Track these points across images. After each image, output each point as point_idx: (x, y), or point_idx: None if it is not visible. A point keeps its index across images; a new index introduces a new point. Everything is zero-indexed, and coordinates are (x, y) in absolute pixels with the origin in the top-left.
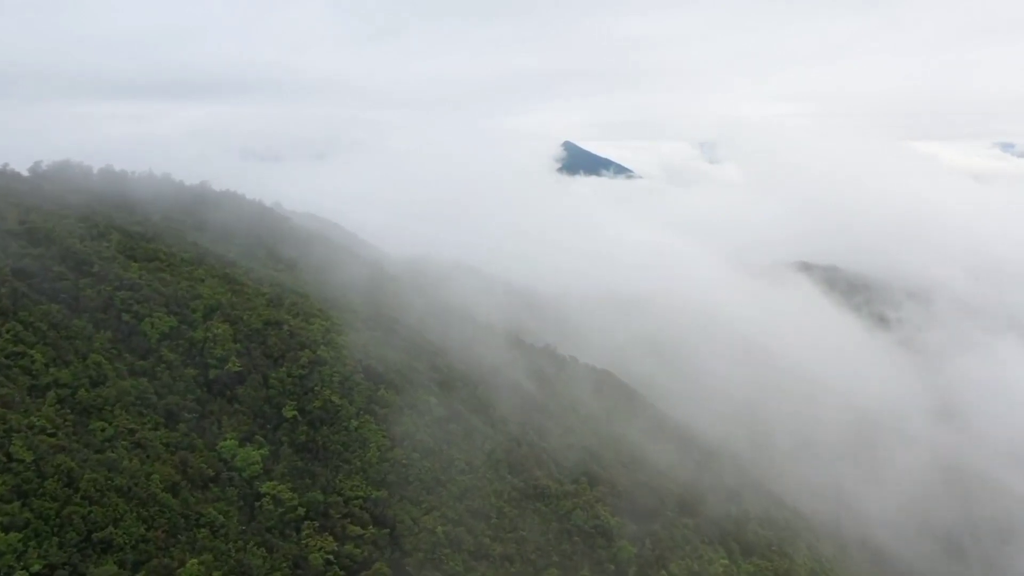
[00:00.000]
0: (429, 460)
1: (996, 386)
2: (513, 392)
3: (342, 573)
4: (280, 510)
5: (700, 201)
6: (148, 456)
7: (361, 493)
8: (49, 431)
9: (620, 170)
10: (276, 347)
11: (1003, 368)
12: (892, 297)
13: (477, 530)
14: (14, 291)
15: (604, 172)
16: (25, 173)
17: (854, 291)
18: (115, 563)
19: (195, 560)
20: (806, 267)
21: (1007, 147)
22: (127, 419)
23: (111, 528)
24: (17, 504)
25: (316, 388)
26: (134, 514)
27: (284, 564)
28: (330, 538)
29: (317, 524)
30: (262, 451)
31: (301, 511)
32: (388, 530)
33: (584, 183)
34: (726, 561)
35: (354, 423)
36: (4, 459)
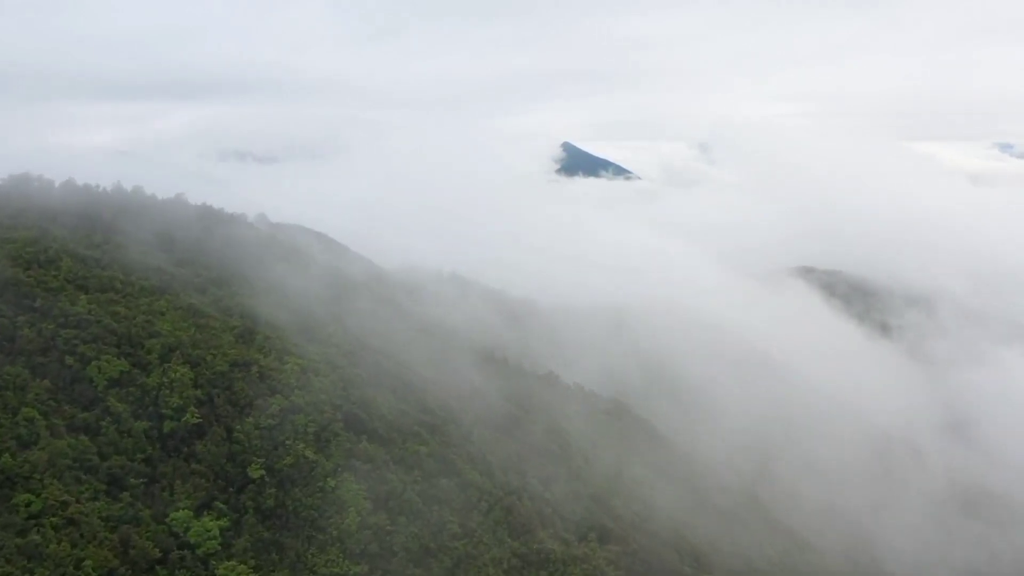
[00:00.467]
0: (417, 524)
1: (1007, 400)
2: (513, 432)
3: None
4: None
5: (699, 204)
6: (82, 536)
7: (337, 569)
8: None
9: (619, 171)
10: (243, 393)
11: (1013, 380)
12: (894, 304)
13: None
14: None
15: (603, 173)
16: None
17: (856, 297)
18: None
19: None
20: (807, 272)
21: (1006, 147)
22: (60, 489)
23: None
24: None
25: (288, 442)
26: None
27: None
28: None
29: None
30: (221, 522)
31: None
32: None
33: (583, 184)
34: None
35: (331, 482)
36: None
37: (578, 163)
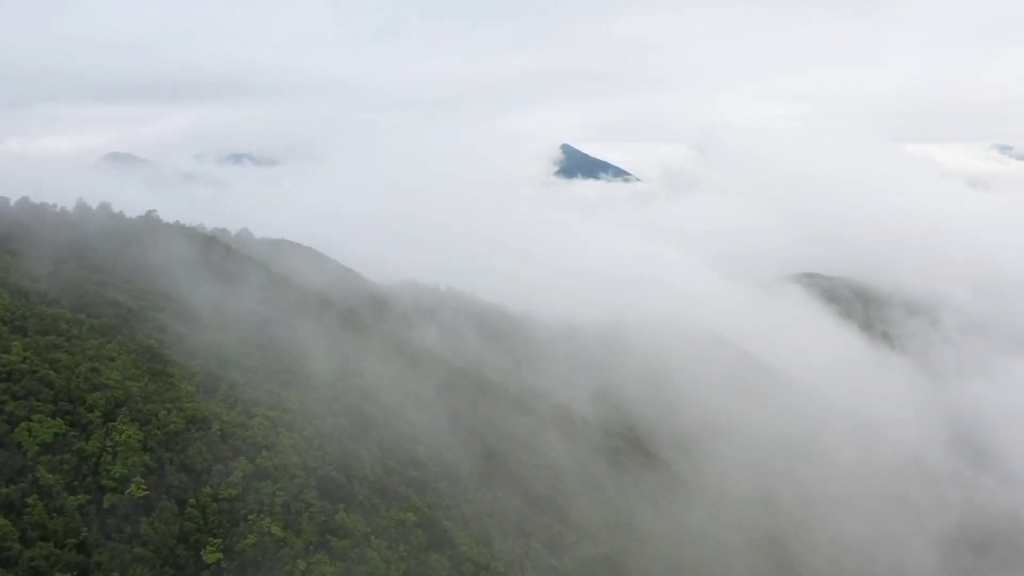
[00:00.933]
0: None
1: (1016, 413)
2: (514, 481)
3: None
4: None
5: (697, 208)
6: None
7: None
8: None
9: (618, 173)
10: (200, 457)
11: (1021, 393)
12: (897, 312)
13: None
14: None
15: (602, 175)
16: None
17: (858, 305)
18: None
19: None
20: (807, 279)
21: (1005, 149)
22: None
23: None
24: None
25: (251, 516)
26: None
27: None
28: None
29: None
30: None
31: None
32: None
33: (581, 186)
34: None
35: (301, 565)
36: None
37: (577, 165)
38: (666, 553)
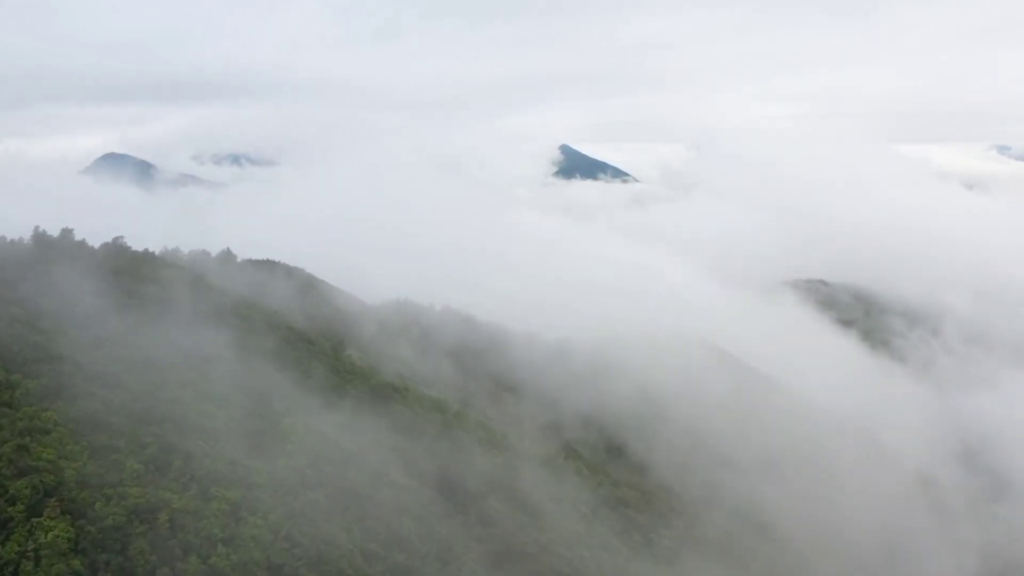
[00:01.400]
0: None
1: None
2: (514, 557)
3: None
4: None
5: (694, 211)
6: None
7: None
8: None
9: (617, 173)
10: (142, 559)
11: None
12: (897, 320)
13: None
14: None
15: (601, 176)
16: None
17: (858, 313)
18: None
19: None
20: (805, 285)
21: (1004, 149)
22: None
23: None
24: None
25: None
26: None
27: None
28: None
29: None
30: None
31: None
32: None
33: (580, 187)
34: None
35: None
36: None
37: (576, 166)
38: None
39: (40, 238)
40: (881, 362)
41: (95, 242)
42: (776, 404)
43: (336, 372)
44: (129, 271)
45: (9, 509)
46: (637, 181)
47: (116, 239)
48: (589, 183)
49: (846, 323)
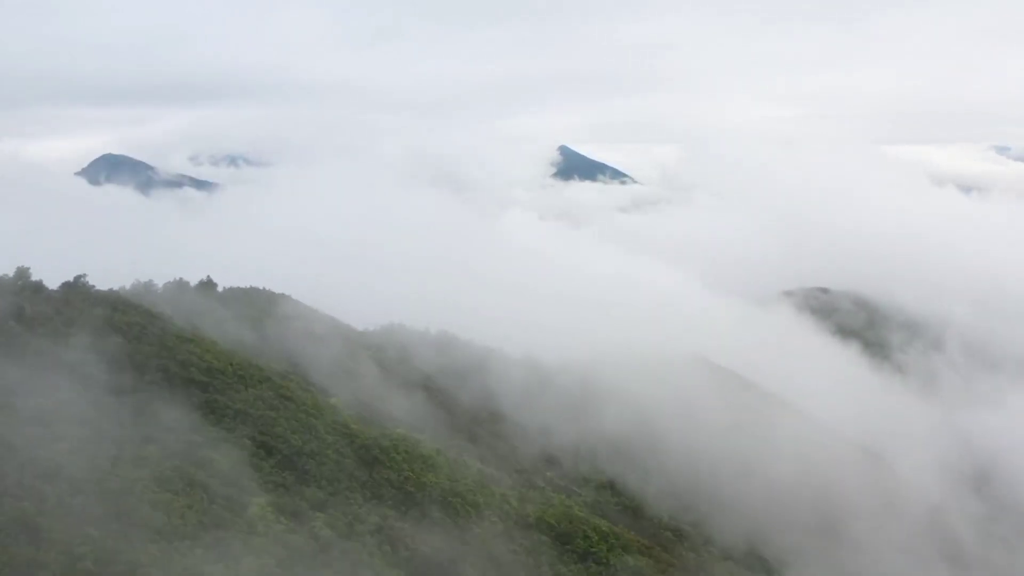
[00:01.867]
0: None
1: None
2: None
3: None
4: None
5: (689, 215)
6: None
7: None
8: None
9: (616, 174)
10: None
11: None
12: (898, 332)
13: None
14: None
15: (600, 177)
16: None
17: (860, 323)
18: None
19: None
20: (803, 293)
21: (1003, 150)
22: None
23: None
24: None
25: None
26: None
27: None
28: None
29: None
30: None
31: None
32: None
33: (578, 189)
34: None
35: None
36: None
37: (574, 167)
38: None
39: None
40: (886, 377)
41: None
42: (782, 427)
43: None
44: (81, 319)
45: None
46: (636, 182)
47: (78, 278)
48: (587, 184)
49: (848, 334)
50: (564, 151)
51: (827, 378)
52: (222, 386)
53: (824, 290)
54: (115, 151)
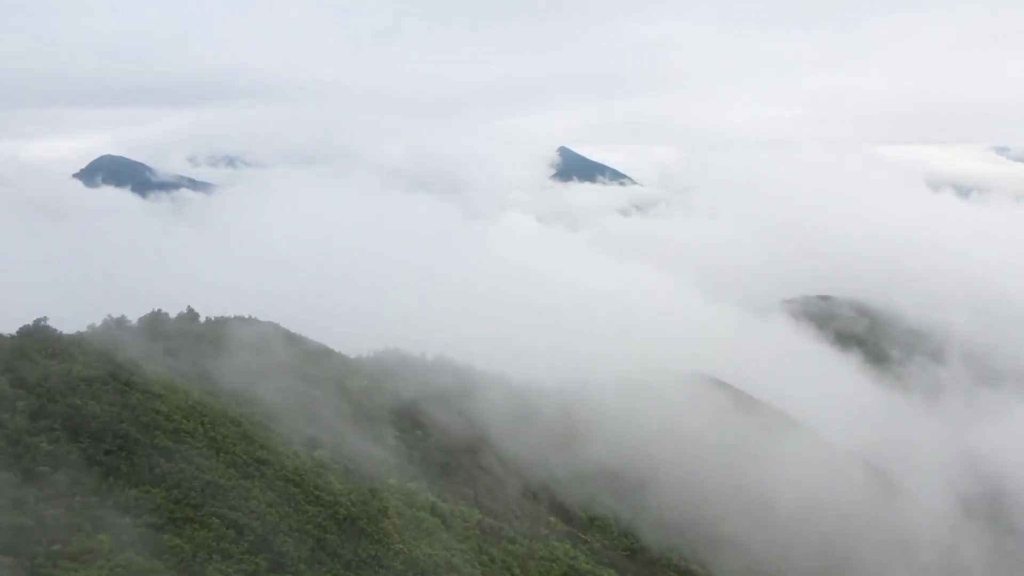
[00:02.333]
0: None
1: None
2: None
3: None
4: None
5: (689, 220)
6: None
7: None
8: None
9: (616, 175)
10: None
11: None
12: (902, 343)
13: None
14: None
15: (599, 178)
16: None
17: (862, 333)
18: None
19: None
20: (802, 303)
21: (1003, 150)
22: None
23: None
24: None
25: None
26: None
27: None
28: None
29: None
30: None
31: None
32: None
33: (577, 190)
34: None
35: None
36: None
37: (573, 168)
38: None
39: None
40: (889, 388)
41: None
42: (788, 451)
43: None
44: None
45: None
46: (635, 183)
47: (37, 321)
48: (586, 185)
49: (849, 343)
50: (563, 152)
51: (830, 392)
52: (135, 443)
53: (825, 297)
54: (113, 152)
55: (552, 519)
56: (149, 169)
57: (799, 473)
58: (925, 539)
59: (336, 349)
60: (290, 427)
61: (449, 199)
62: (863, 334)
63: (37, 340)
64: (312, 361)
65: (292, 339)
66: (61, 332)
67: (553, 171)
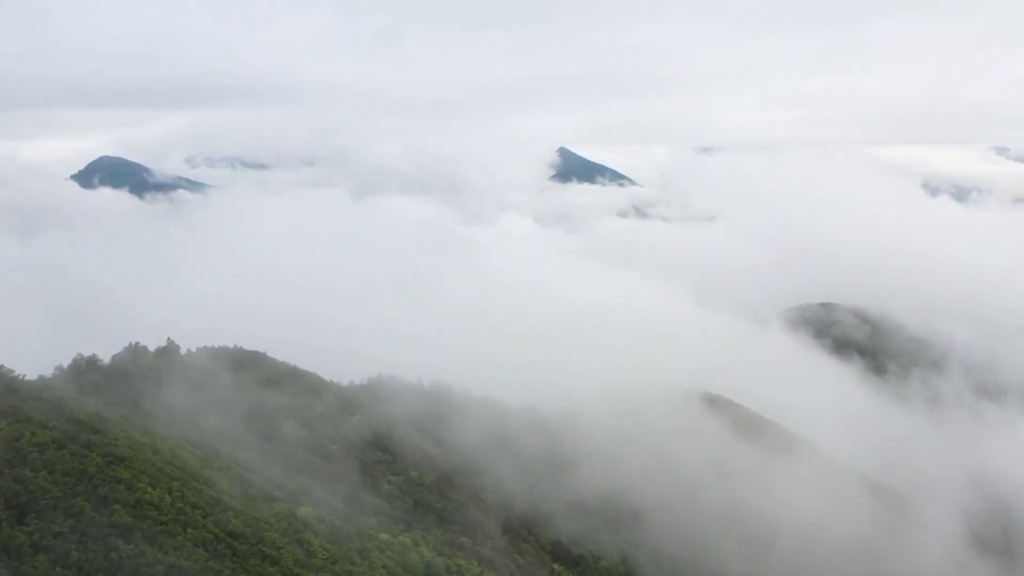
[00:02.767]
0: None
1: None
2: None
3: None
4: None
5: (691, 222)
6: None
7: None
8: None
9: (615, 176)
10: None
11: None
12: (908, 354)
13: None
14: None
15: (599, 178)
16: None
17: (870, 340)
18: None
19: None
20: (805, 313)
21: (1002, 151)
22: None
23: None
24: None
25: None
26: None
27: None
28: None
29: None
30: None
31: None
32: None
33: (576, 191)
34: None
35: None
36: None
37: (573, 169)
38: None
39: None
40: (892, 399)
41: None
42: (793, 475)
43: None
44: None
45: None
46: (635, 183)
47: None
48: (586, 186)
49: (850, 352)
50: (563, 152)
51: (831, 405)
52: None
53: (825, 305)
54: (112, 153)
55: (556, 566)
56: (147, 170)
57: (802, 500)
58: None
59: (324, 373)
60: (271, 480)
61: (448, 200)
62: (864, 342)
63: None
64: (301, 393)
65: (279, 369)
66: (23, 377)
67: (553, 172)
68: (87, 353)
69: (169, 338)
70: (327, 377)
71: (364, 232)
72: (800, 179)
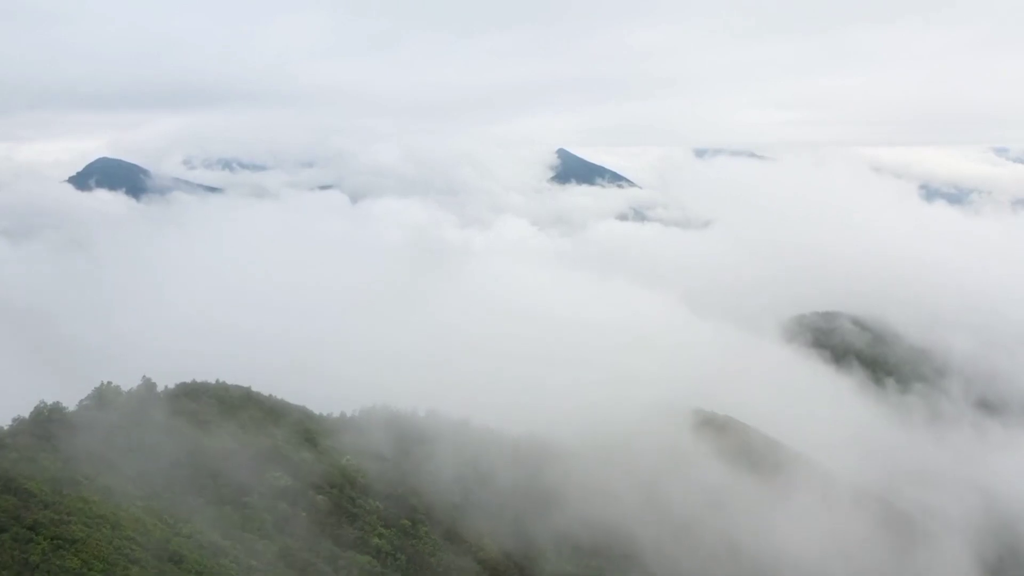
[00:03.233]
0: None
1: None
2: None
3: None
4: None
5: (688, 228)
6: None
7: None
8: None
9: (615, 178)
10: None
11: None
12: (910, 364)
13: None
14: None
15: (598, 180)
16: None
17: (870, 347)
18: None
19: None
20: (803, 323)
21: (1002, 151)
22: None
23: None
24: None
25: None
26: None
27: None
28: None
29: None
30: None
31: None
32: None
33: (575, 193)
34: None
35: None
36: None
37: (572, 170)
38: None
39: None
40: (894, 414)
41: None
42: (795, 499)
43: None
44: None
45: None
46: (634, 185)
47: None
48: (585, 188)
49: (850, 363)
50: (562, 154)
51: (834, 420)
52: None
53: (823, 314)
54: (110, 155)
55: None
56: (144, 172)
57: (806, 533)
58: None
59: (314, 401)
60: (248, 548)
61: (446, 202)
62: (864, 351)
63: None
64: (292, 433)
65: (264, 406)
66: None
67: (551, 173)
68: (56, 394)
69: (145, 376)
70: (317, 406)
71: (358, 239)
72: (798, 184)
